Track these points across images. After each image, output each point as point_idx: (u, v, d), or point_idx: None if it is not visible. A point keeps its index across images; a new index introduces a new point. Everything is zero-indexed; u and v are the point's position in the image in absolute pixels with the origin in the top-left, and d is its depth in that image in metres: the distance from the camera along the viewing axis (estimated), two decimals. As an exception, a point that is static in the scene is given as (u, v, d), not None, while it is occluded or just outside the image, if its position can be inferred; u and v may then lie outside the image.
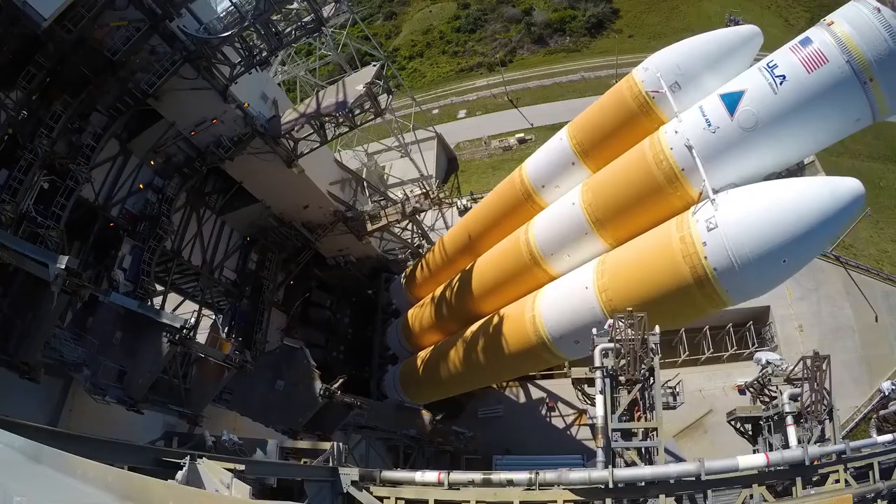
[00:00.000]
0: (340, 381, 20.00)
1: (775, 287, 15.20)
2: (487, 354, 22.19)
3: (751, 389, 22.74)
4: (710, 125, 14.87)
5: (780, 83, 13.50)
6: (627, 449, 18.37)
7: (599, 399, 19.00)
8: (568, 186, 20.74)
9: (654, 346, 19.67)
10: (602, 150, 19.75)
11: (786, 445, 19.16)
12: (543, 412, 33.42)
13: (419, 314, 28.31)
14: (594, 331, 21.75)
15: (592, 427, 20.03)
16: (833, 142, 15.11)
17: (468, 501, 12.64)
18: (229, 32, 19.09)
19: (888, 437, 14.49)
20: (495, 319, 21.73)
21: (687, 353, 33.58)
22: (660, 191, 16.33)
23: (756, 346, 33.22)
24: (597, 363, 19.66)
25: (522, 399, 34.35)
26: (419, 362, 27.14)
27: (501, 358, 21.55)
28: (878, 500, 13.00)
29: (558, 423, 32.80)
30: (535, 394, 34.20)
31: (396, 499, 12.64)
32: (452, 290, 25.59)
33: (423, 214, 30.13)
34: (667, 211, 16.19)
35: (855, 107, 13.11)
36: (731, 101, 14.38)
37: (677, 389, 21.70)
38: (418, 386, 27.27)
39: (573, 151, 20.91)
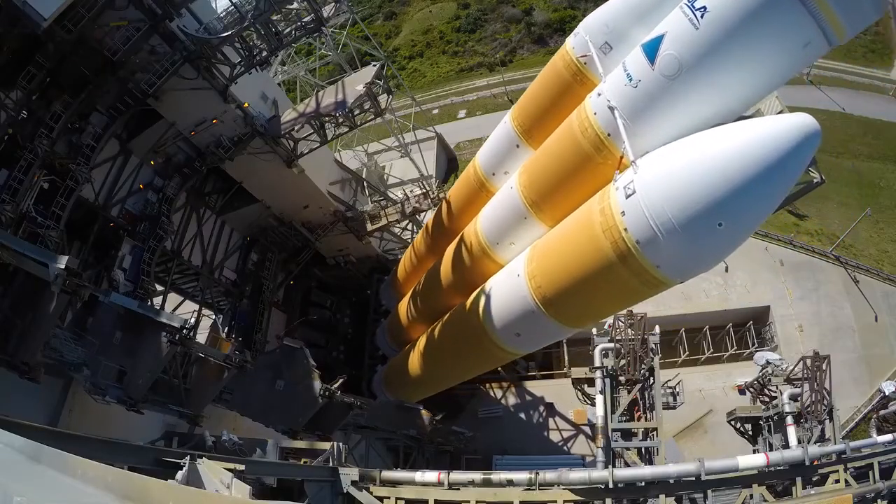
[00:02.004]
0: (340, 381, 20.01)
1: (723, 257, 12.97)
2: (448, 351, 21.75)
3: (751, 389, 22.81)
4: (631, 80, 12.87)
5: (702, 16, 11.41)
6: (627, 449, 18.48)
7: (599, 399, 19.09)
8: (515, 171, 19.54)
9: (654, 346, 19.78)
10: (542, 129, 18.31)
11: (786, 445, 19.22)
12: (543, 412, 33.43)
13: (398, 314, 28.29)
14: (594, 331, 21.88)
15: (592, 427, 19.90)
16: (785, 77, 12.16)
17: (468, 501, 12.65)
18: (229, 32, 19.08)
19: (888, 437, 14.50)
20: (450, 315, 21.36)
21: (687, 353, 33.60)
22: (589, 161, 14.65)
23: (756, 346, 33.25)
24: (597, 363, 19.76)
25: (522, 399, 34.35)
26: (397, 362, 27.12)
27: (459, 354, 21.04)
28: (878, 500, 13.01)
29: (558, 423, 32.80)
30: (535, 394, 34.21)
31: (396, 499, 12.65)
32: (421, 289, 25.42)
33: (423, 214, 30.11)
34: (602, 184, 14.30)
35: (797, 28, 10.88)
36: (651, 49, 12.25)
37: (677, 389, 21.74)
38: (397, 385, 27.17)
39: (516, 133, 20.01)
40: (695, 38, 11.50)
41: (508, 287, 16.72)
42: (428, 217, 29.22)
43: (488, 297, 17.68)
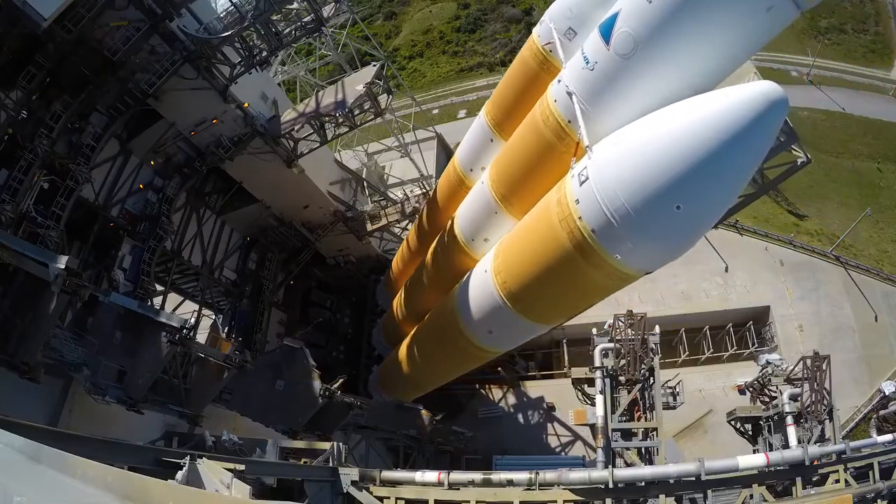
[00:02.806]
0: (340, 381, 20.00)
1: (688, 244, 11.81)
2: (430, 350, 21.61)
3: (751, 389, 22.79)
4: (588, 62, 12.21)
5: None
6: (627, 449, 18.47)
7: (599, 399, 19.08)
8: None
9: (654, 346, 19.77)
10: (512, 121, 17.71)
11: (786, 445, 19.20)
12: (543, 412, 33.43)
13: (390, 314, 28.27)
14: (594, 331, 21.87)
15: (592, 427, 19.85)
16: (751, 47, 11.21)
17: (468, 501, 12.65)
18: (229, 32, 19.09)
19: (888, 437, 14.50)
20: (431, 314, 21.23)
21: (687, 353, 33.59)
22: (552, 150, 14.07)
23: (756, 346, 33.25)
24: (597, 363, 19.74)
25: (522, 399, 34.35)
26: (389, 362, 27.11)
27: (441, 353, 20.85)
28: (878, 500, 13.00)
29: (558, 423, 32.80)
30: (535, 394, 34.20)
31: (396, 499, 12.65)
32: (407, 287, 25.42)
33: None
34: (565, 174, 13.33)
35: None
36: (606, 29, 11.54)
37: (677, 389, 21.73)
38: (390, 385, 27.15)
39: (489, 127, 19.80)
40: (649, 13, 10.71)
41: (478, 283, 16.47)
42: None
43: (462, 295, 17.41)
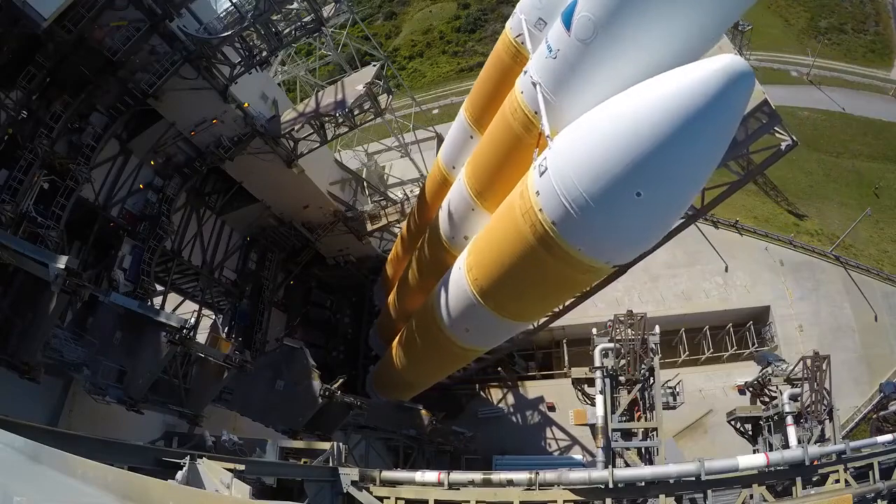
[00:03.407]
0: (340, 381, 20.00)
1: (654, 234, 11.28)
2: (417, 350, 21.49)
3: (751, 389, 22.79)
4: (551, 51, 11.86)
5: None
6: (627, 449, 18.48)
7: (599, 399, 19.09)
8: (469, 163, 19.44)
9: (654, 346, 19.78)
10: (489, 117, 17.40)
11: (786, 445, 19.21)
12: (543, 412, 33.43)
13: (383, 314, 28.29)
14: (594, 331, 21.87)
15: (592, 427, 19.84)
16: (721, 23, 10.70)
17: (468, 501, 12.64)
18: (229, 32, 19.09)
19: (888, 437, 14.46)
20: (416, 313, 21.11)
21: (687, 353, 33.61)
22: (521, 144, 13.74)
23: (756, 346, 33.26)
24: (597, 363, 19.76)
25: (522, 399, 34.35)
26: (383, 362, 27.12)
27: (426, 352, 20.72)
28: (878, 500, 13.00)
29: (558, 423, 32.80)
30: (535, 394, 34.20)
31: (396, 499, 12.64)
32: (398, 287, 25.39)
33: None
34: None
35: None
36: (568, 15, 11.14)
37: (677, 389, 21.74)
38: (384, 385, 27.15)
39: (468, 124, 19.61)
40: None
41: (453, 281, 16.25)
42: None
43: (440, 293, 17.26)
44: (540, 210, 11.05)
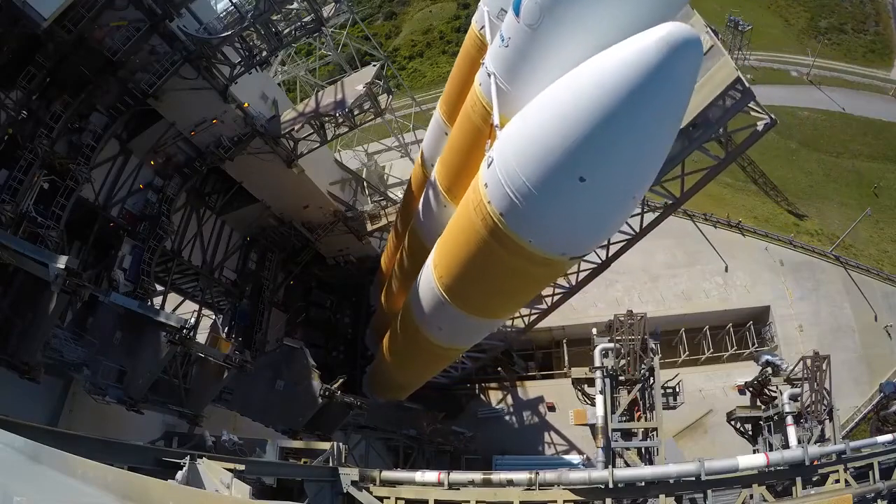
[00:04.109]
0: (340, 381, 20.00)
1: (608, 223, 10.77)
2: (400, 349, 21.53)
3: (751, 389, 22.78)
4: (503, 40, 11.57)
5: None
6: (627, 449, 18.48)
7: (599, 399, 19.09)
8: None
9: (654, 345, 19.79)
10: (458, 112, 17.14)
11: (786, 445, 19.20)
12: (543, 412, 33.43)
13: (377, 313, 28.31)
14: (594, 331, 21.87)
15: (592, 427, 19.84)
16: (669, 4, 10.13)
17: (468, 501, 12.63)
18: (229, 32, 19.09)
19: (888, 437, 14.46)
20: (399, 312, 21.02)
21: (687, 353, 33.60)
22: (482, 137, 13.34)
23: (756, 346, 33.26)
24: (597, 363, 19.76)
25: (522, 399, 34.35)
26: (374, 362, 27.13)
27: (408, 351, 20.68)
28: (878, 500, 12.99)
29: (558, 423, 32.80)
30: (535, 394, 34.20)
31: (396, 499, 12.63)
32: (386, 288, 25.42)
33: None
34: None
35: None
36: (517, 2, 10.78)
37: (677, 389, 21.74)
38: (376, 385, 27.19)
39: (443, 121, 19.48)
40: None
41: (424, 278, 16.15)
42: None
43: (415, 291, 17.14)
44: (489, 202, 10.75)
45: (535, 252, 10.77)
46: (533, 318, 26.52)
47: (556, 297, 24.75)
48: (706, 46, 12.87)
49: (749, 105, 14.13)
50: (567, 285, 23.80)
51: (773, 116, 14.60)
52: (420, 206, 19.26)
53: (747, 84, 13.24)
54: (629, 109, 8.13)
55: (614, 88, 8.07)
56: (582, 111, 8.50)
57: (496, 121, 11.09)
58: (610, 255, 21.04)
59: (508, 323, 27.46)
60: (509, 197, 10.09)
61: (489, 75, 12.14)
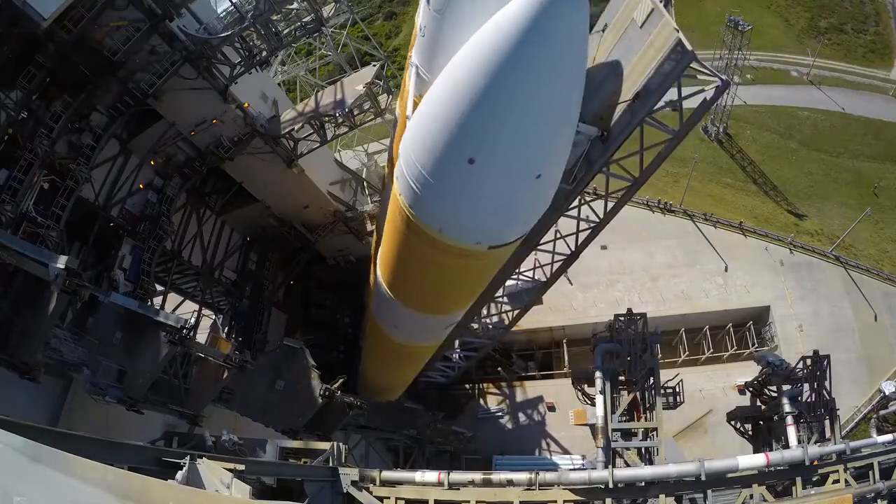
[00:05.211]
0: (340, 381, 19.99)
1: (518, 210, 10.20)
2: (372, 349, 21.45)
3: (751, 389, 22.77)
4: (421, 31, 11.13)
5: None
6: (627, 449, 18.47)
7: (599, 399, 19.08)
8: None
9: (654, 346, 19.78)
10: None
11: (786, 445, 19.19)
12: (543, 412, 33.44)
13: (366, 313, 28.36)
14: (594, 331, 21.88)
15: (592, 427, 19.81)
16: None
17: (468, 501, 12.63)
18: (229, 32, 19.08)
19: (888, 437, 14.46)
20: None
21: (687, 353, 33.63)
22: None
23: (756, 346, 33.28)
24: (597, 363, 19.75)
25: (522, 399, 34.37)
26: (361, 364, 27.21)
27: (376, 350, 20.60)
28: (878, 500, 13.00)
29: (558, 423, 32.82)
30: (535, 394, 34.22)
31: (396, 499, 12.63)
32: (369, 287, 25.57)
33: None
34: None
35: None
36: None
37: (677, 389, 21.74)
38: (365, 386, 27.22)
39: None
40: None
41: (377, 277, 16.10)
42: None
43: (374, 289, 17.04)
44: (400, 195, 10.58)
45: (449, 242, 10.43)
46: (515, 314, 26.41)
47: (528, 292, 24.57)
48: (646, 10, 11.86)
49: (696, 69, 12.55)
50: (536, 279, 23.65)
51: (724, 78, 12.91)
52: (383, 200, 19.26)
53: (688, 46, 11.50)
54: (504, 80, 7.45)
55: (486, 57, 7.46)
56: (461, 90, 7.96)
57: (409, 111, 10.78)
58: (579, 243, 19.47)
59: (496, 320, 27.39)
60: (412, 188, 9.84)
61: (413, 67, 11.78)
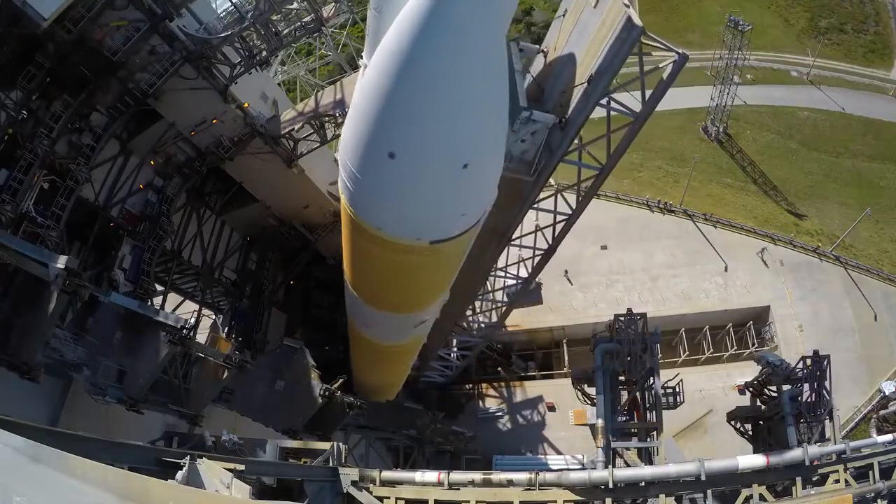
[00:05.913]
0: (340, 381, 20.00)
1: (451, 203, 9.76)
2: (353, 351, 21.55)
3: (751, 389, 22.77)
4: (369, 32, 10.80)
5: None
6: (627, 449, 18.47)
7: (599, 399, 19.08)
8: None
9: (653, 346, 19.78)
10: None
11: (786, 445, 19.18)
12: (543, 412, 33.45)
13: None
14: (594, 331, 21.88)
15: (592, 427, 19.81)
16: None
17: (468, 501, 12.63)
18: (229, 32, 19.09)
19: (888, 437, 14.47)
20: None
21: (687, 353, 33.64)
22: None
23: (756, 346, 33.29)
24: (597, 363, 19.75)
25: (522, 399, 34.37)
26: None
27: (357, 350, 20.78)
28: (878, 500, 13.00)
29: (558, 422, 32.82)
30: (535, 394, 34.23)
31: (396, 499, 12.63)
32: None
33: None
34: None
35: None
36: None
37: (677, 389, 21.74)
38: (358, 389, 27.26)
39: None
40: None
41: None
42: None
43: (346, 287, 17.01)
44: (341, 194, 10.83)
45: (389, 239, 10.32)
46: (503, 311, 26.39)
47: (511, 289, 24.71)
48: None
49: (649, 44, 12.09)
50: (518, 276, 23.71)
51: (680, 52, 12.30)
52: None
53: (637, 21, 11.04)
54: (410, 70, 7.29)
55: (394, 51, 7.33)
56: (373, 84, 7.86)
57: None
58: (556, 235, 19.12)
59: (487, 319, 27.45)
60: (347, 186, 9.88)
61: (363, 68, 11.45)
